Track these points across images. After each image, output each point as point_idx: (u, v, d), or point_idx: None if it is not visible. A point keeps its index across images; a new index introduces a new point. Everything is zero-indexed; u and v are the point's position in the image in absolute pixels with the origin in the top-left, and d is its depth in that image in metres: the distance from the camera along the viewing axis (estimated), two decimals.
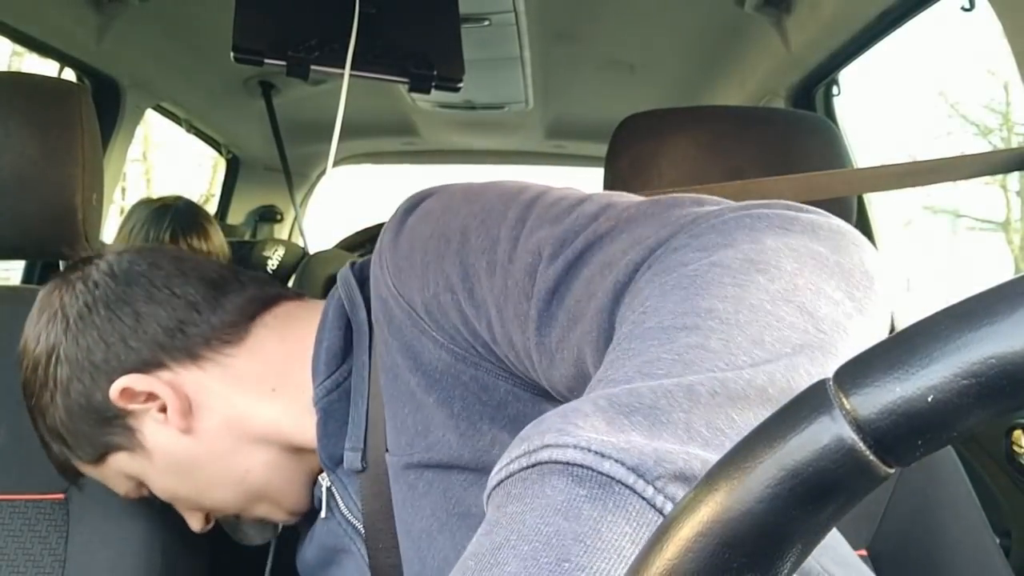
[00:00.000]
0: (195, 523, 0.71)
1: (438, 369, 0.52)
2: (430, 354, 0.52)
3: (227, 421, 0.65)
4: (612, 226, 0.44)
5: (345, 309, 0.63)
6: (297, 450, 0.66)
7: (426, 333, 0.52)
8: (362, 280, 0.62)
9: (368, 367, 0.60)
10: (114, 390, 0.63)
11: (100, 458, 0.68)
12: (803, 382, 0.31)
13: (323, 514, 0.67)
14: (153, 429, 0.65)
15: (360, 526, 0.64)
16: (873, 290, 0.37)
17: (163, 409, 0.64)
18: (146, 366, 0.64)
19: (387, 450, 0.58)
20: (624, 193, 0.50)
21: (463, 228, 0.50)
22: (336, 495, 0.66)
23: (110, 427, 0.66)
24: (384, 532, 0.61)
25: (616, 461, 0.27)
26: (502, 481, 0.30)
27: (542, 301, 0.44)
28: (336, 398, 0.63)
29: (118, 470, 0.69)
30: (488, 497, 0.31)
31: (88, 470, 0.71)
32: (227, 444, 0.65)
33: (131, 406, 0.64)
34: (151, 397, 0.64)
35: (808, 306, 0.34)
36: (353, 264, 0.64)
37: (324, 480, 0.66)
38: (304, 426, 0.64)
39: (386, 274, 0.55)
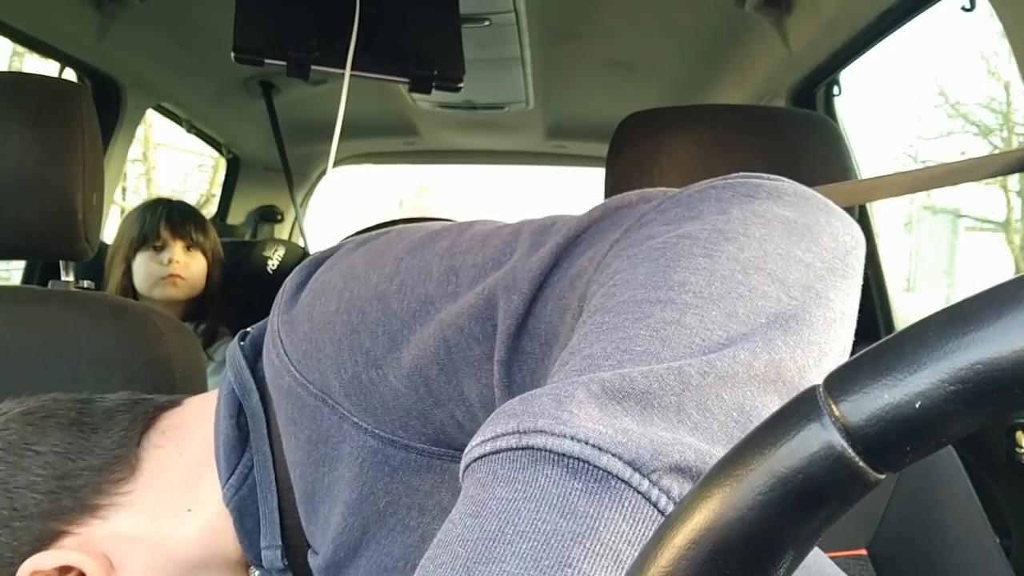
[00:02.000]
0: None
1: (359, 458, 0.48)
2: (352, 442, 0.48)
3: (156, 562, 0.57)
4: (567, 243, 0.42)
5: (236, 394, 0.56)
6: (241, 561, 0.60)
7: (346, 419, 0.48)
8: (255, 357, 0.56)
9: (272, 457, 0.55)
10: None
11: None
12: (782, 354, 0.32)
13: None
14: None
15: None
16: (842, 249, 0.38)
17: None
18: (44, 541, 0.55)
19: (308, 546, 0.54)
20: (551, 214, 0.47)
21: (379, 295, 0.46)
22: None
23: None
24: None
25: (613, 455, 0.27)
26: (486, 455, 0.30)
27: (511, 339, 0.41)
28: (247, 492, 0.56)
29: None
30: (467, 468, 0.31)
31: None
32: None
33: None
34: (65, 570, 0.55)
35: (779, 273, 0.35)
36: (244, 336, 0.57)
37: (253, 572, 0.60)
38: (232, 536, 0.58)
39: (286, 361, 0.50)
